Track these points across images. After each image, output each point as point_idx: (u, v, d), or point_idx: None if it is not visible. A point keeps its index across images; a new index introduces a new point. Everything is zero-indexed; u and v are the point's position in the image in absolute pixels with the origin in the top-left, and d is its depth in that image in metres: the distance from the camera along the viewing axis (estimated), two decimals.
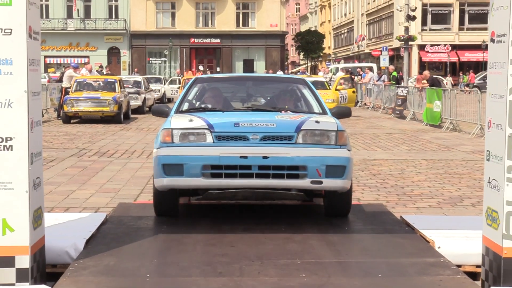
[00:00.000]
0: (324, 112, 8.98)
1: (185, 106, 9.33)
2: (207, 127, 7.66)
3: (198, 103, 9.72)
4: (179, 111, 8.99)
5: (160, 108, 9.40)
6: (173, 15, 64.67)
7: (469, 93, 34.35)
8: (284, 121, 8.23)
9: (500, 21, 6.00)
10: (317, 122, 7.95)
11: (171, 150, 7.57)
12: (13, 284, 5.76)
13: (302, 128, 7.73)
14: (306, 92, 9.84)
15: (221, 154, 7.41)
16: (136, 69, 53.65)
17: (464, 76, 61.15)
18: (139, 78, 37.31)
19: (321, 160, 7.49)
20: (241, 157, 7.38)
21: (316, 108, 9.27)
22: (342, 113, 9.15)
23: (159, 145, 7.72)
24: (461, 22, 68.53)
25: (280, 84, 11.13)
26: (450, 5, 68.48)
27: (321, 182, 7.47)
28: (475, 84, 51.90)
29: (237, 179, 7.51)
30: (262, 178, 7.51)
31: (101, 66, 42.09)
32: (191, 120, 7.89)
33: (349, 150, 7.83)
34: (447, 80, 56.11)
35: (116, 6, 63.83)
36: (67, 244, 6.71)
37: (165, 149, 7.61)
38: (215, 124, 7.72)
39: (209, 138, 7.59)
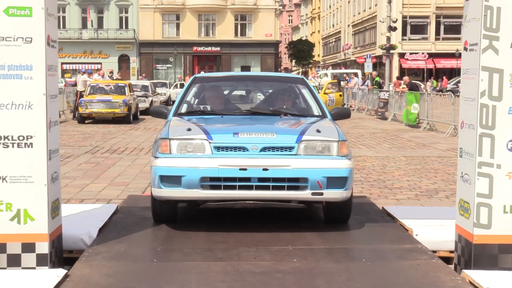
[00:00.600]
0: (323, 114, 8.18)
1: (184, 108, 8.41)
2: (206, 138, 6.84)
3: (196, 106, 8.81)
4: (177, 113, 8.13)
5: (158, 109, 8.72)
6: (177, 26, 64.63)
7: (444, 96, 34.46)
8: (285, 131, 7.39)
9: (472, 32, 6.01)
10: (318, 131, 7.11)
11: (169, 161, 6.76)
12: (34, 268, 5.78)
13: (303, 139, 6.88)
14: (305, 92, 8.92)
15: (220, 166, 6.62)
16: (144, 75, 53.56)
17: (434, 81, 61.17)
18: (146, 82, 37.29)
19: (322, 172, 6.68)
20: (240, 169, 6.60)
21: (315, 110, 8.41)
22: (341, 114, 8.46)
23: (157, 155, 6.94)
24: (437, 32, 68.66)
25: (278, 84, 9.87)
26: (427, 17, 68.59)
27: (322, 194, 6.72)
28: (448, 89, 52.06)
29: (236, 190, 6.69)
30: (262, 190, 6.71)
31: (111, 72, 42.02)
32: (189, 129, 7.06)
33: (350, 160, 7.03)
34: (427, 84, 56.27)
35: (126, 18, 63.79)
36: (82, 232, 6.73)
37: (163, 160, 6.81)
38: (214, 134, 6.90)
39: (208, 149, 6.77)
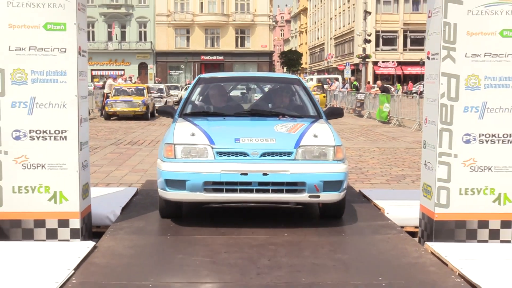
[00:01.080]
0: (319, 114, 7.46)
1: (189, 109, 7.65)
2: (208, 143, 6.21)
3: (200, 106, 7.96)
4: (183, 113, 7.42)
5: (165, 109, 8.01)
6: (187, 38, 64.52)
7: (411, 97, 34.52)
8: (283, 136, 6.48)
9: (434, 44, 6.03)
10: (315, 136, 6.42)
11: (174, 166, 6.16)
12: (68, 240, 5.83)
13: (301, 145, 6.26)
14: (301, 92, 8.14)
15: (222, 171, 6.02)
16: (159, 79, 53.48)
17: (398, 85, 61.08)
18: (161, 86, 37.27)
19: (319, 176, 6.11)
20: (241, 174, 6.03)
21: (311, 110, 7.67)
22: (335, 113, 7.75)
23: (162, 159, 6.35)
24: (405, 44, 68.61)
25: (277, 84, 8.94)
26: (396, 31, 68.53)
27: (318, 196, 6.17)
28: (413, 91, 52.14)
29: (237, 193, 6.13)
30: (262, 193, 6.13)
31: (130, 77, 41.88)
32: (193, 134, 6.38)
33: (345, 163, 6.43)
34: (402, 88, 56.29)
35: (145, 32, 63.69)
36: (108, 210, 6.75)
37: (168, 164, 6.21)
38: (217, 140, 6.26)
39: (210, 154, 6.16)
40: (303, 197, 6.16)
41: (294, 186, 6.14)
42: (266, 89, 9.09)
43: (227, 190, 6.11)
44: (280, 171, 6.06)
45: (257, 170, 6.03)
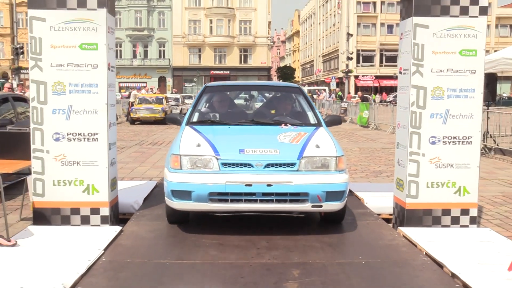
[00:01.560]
0: (319, 122, 6.59)
1: (195, 117, 6.77)
2: (214, 154, 5.44)
3: (206, 114, 6.99)
4: (189, 122, 6.57)
5: (173, 116, 6.98)
6: (199, 56, 64.55)
7: (386, 105, 34.54)
8: (287, 147, 5.63)
9: (405, 61, 6.05)
10: (317, 146, 5.64)
11: (180, 177, 5.39)
12: (98, 225, 5.83)
13: (304, 156, 5.48)
14: (302, 100, 7.24)
15: (227, 182, 5.27)
16: (175, 90, 53.43)
17: (374, 95, 60.82)
18: (178, 95, 37.25)
19: (322, 187, 5.35)
20: (246, 185, 5.27)
21: (312, 118, 6.77)
22: (334, 121, 6.77)
23: (169, 169, 5.56)
24: (381, 61, 68.58)
25: (278, 92, 7.96)
26: (374, 50, 68.54)
27: (321, 206, 5.43)
28: (387, 101, 52.14)
29: (242, 203, 5.36)
30: (266, 203, 5.36)
31: (151, 88, 41.76)
32: (198, 145, 5.60)
33: (346, 174, 5.65)
34: (376, 98, 56.20)
35: (164, 50, 63.73)
36: (132, 200, 6.75)
37: (174, 175, 5.43)
38: (222, 151, 5.47)
39: (215, 166, 5.39)
40: (306, 207, 5.43)
41: (297, 197, 5.38)
42: (268, 97, 8.17)
43: (232, 201, 5.35)
44: (284, 182, 5.31)
45: (261, 181, 5.29)
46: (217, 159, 5.41)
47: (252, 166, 5.38)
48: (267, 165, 5.40)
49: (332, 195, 5.41)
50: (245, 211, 5.51)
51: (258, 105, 7.51)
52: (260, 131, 6.38)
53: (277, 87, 8.32)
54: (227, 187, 5.28)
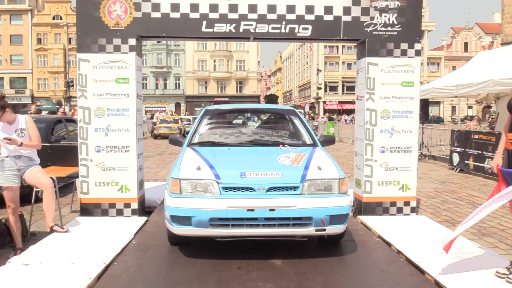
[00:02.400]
0: (314, 143, 5.35)
1: (196, 139, 5.43)
2: (214, 178, 4.15)
3: (207, 136, 5.56)
4: (190, 143, 5.31)
5: (175, 138, 5.66)
6: (206, 87, 64.46)
7: (347, 123, 34.64)
8: (288, 169, 4.32)
9: (361, 90, 6.06)
10: (319, 168, 4.35)
11: (180, 202, 4.10)
12: (130, 216, 5.77)
13: (306, 178, 4.21)
14: (297, 121, 5.87)
15: (228, 208, 4.01)
16: (188, 113, 53.41)
17: (334, 116, 60.75)
18: (189, 117, 37.16)
19: (326, 211, 4.13)
20: (248, 210, 4.02)
21: (308, 139, 5.47)
22: (328, 141, 5.62)
23: (169, 193, 4.26)
24: (343, 90, 68.64)
25: (275, 114, 6.60)
26: (337, 82, 68.64)
27: (324, 230, 4.17)
28: (347, 120, 52.27)
29: (243, 228, 4.09)
30: (268, 227, 4.10)
31: (171, 111, 41.69)
32: (199, 168, 4.28)
33: (349, 195, 4.41)
34: (341, 118, 56.41)
35: (179, 83, 63.60)
36: (155, 197, 6.68)
37: (174, 200, 4.13)
38: (222, 175, 4.18)
39: (216, 190, 4.12)
40: (310, 231, 4.15)
41: (300, 221, 4.13)
42: (265, 119, 6.70)
43: (233, 225, 4.10)
44: (287, 206, 4.06)
45: (263, 206, 4.04)
46: (217, 183, 4.15)
47: (254, 190, 4.12)
48: (270, 189, 4.13)
49: (336, 219, 4.18)
50: (246, 236, 4.19)
51: (253, 125, 6.20)
52: (260, 152, 5.05)
53: (273, 110, 6.84)
54: (229, 212, 4.03)
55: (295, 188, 4.17)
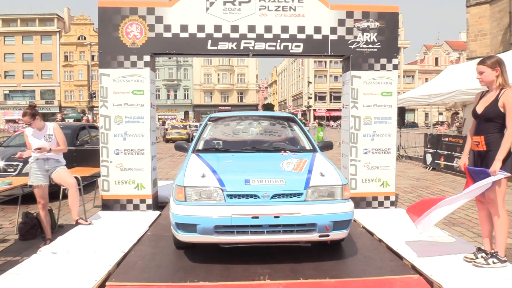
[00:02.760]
0: (314, 148, 4.84)
1: (201, 145, 4.98)
2: (219, 186, 3.68)
3: (211, 142, 5.12)
4: (195, 149, 4.82)
5: (181, 145, 5.11)
6: (211, 97, 64.43)
7: (335, 128, 34.64)
8: (292, 176, 3.84)
9: (346, 99, 6.05)
10: (322, 175, 3.87)
11: (185, 210, 3.64)
12: (145, 211, 5.73)
13: (310, 185, 3.73)
14: (296, 128, 5.39)
15: (233, 215, 3.54)
16: (196, 120, 53.36)
17: (323, 122, 60.88)
18: (197, 123, 37.25)
19: (330, 217, 3.66)
20: (253, 217, 3.55)
21: (307, 144, 4.98)
22: (326, 146, 5.05)
23: (174, 201, 3.80)
24: (331, 99, 68.59)
25: (276, 121, 5.78)
26: (326, 92, 68.59)
27: (328, 235, 3.71)
28: (334, 126, 52.24)
29: (248, 235, 3.61)
30: (272, 234, 3.62)
31: (181, 119, 41.71)
32: (203, 176, 3.81)
33: (351, 202, 3.86)
34: (326, 124, 56.39)
35: (188, 94, 63.54)
36: (167, 193, 6.60)
37: (179, 207, 3.67)
38: (227, 182, 3.70)
39: (221, 197, 3.65)
40: (313, 237, 3.68)
41: (304, 227, 3.66)
42: (267, 125, 5.89)
43: (238, 232, 3.62)
44: (292, 213, 3.59)
45: (268, 213, 3.57)
46: (222, 190, 3.67)
47: (259, 197, 3.64)
48: (274, 196, 3.66)
49: (339, 224, 3.72)
50: (251, 242, 3.72)
51: (254, 131, 5.67)
52: (262, 159, 4.53)
53: (274, 117, 6.11)
54: (233, 219, 3.56)
55: (299, 195, 3.71)
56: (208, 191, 3.69)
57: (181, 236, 3.71)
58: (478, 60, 3.86)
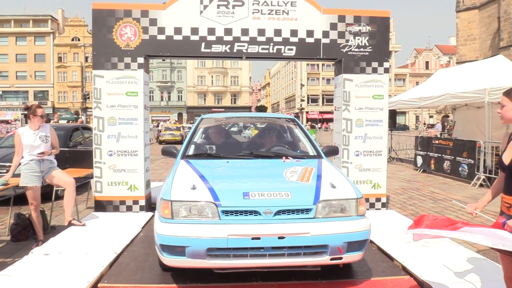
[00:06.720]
0: (318, 154, 4.19)
1: (191, 150, 4.30)
2: (212, 200, 2.98)
3: (203, 147, 4.49)
4: (185, 155, 4.13)
5: (168, 149, 4.29)
6: (204, 99, 64.32)
7: (327, 130, 34.74)
8: (298, 188, 3.16)
9: (338, 102, 6.08)
10: (333, 186, 3.19)
11: (171, 229, 2.91)
12: (138, 212, 5.71)
13: (320, 199, 3.04)
14: (298, 131, 4.72)
15: (229, 236, 2.85)
16: (190, 121, 53.22)
17: (316, 124, 61.00)
18: (190, 125, 37.21)
19: (343, 237, 2.97)
20: (253, 238, 2.85)
21: (311, 150, 4.31)
22: (332, 151, 4.33)
23: (159, 218, 3.06)
24: (323, 102, 68.83)
25: (274, 123, 4.99)
26: (318, 95, 68.86)
27: (341, 258, 3.02)
28: (326, 128, 52.33)
29: (247, 259, 2.91)
30: (276, 257, 2.93)
31: (175, 121, 41.58)
32: (194, 187, 3.11)
33: (368, 219, 3.17)
34: (322, 126, 56.55)
35: (181, 95, 63.37)
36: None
37: (165, 226, 2.94)
38: (222, 196, 3.00)
39: (215, 214, 2.95)
40: (324, 260, 3.00)
41: (314, 249, 2.98)
42: (265, 128, 5.09)
43: (235, 256, 2.92)
44: (299, 233, 2.90)
45: (271, 233, 2.88)
46: (216, 205, 2.98)
47: (260, 214, 2.95)
48: (278, 212, 2.97)
49: (354, 245, 3.05)
50: (250, 267, 3.01)
51: (252, 134, 4.60)
52: (262, 167, 3.86)
53: (273, 119, 5.25)
54: (230, 241, 2.87)
55: (308, 211, 3.01)
56: (200, 206, 2.99)
57: (167, 260, 2.98)
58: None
